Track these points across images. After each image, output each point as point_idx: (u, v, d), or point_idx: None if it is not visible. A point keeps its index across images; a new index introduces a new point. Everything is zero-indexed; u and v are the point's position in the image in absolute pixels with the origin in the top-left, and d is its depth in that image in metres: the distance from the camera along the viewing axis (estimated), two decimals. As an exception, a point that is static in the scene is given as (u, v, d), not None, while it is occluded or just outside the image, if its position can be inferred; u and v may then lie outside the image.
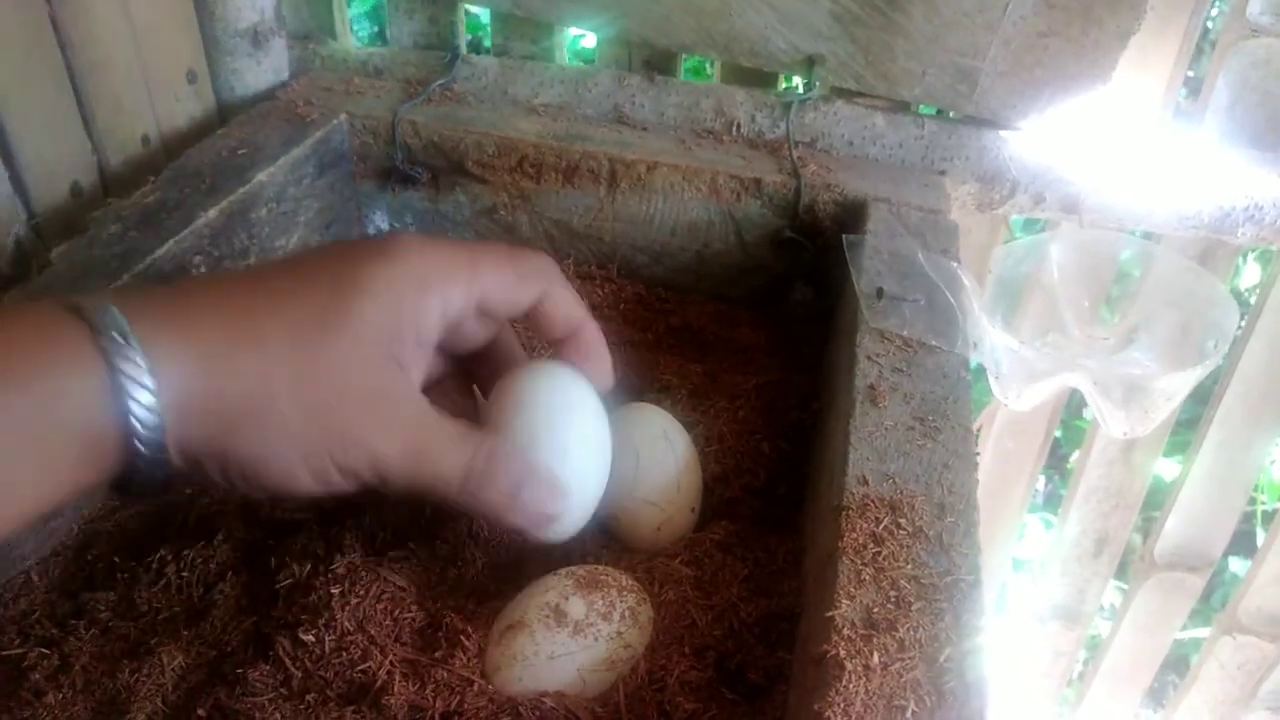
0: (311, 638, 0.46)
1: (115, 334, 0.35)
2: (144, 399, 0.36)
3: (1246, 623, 1.11)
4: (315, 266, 0.42)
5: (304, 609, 0.47)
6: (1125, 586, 1.17)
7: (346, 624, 0.46)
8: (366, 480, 0.42)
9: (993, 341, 0.58)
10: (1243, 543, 1.49)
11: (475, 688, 0.45)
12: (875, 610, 0.40)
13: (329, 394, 0.40)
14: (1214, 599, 1.49)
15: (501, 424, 0.48)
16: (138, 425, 0.36)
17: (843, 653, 0.38)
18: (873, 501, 0.45)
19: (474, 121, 0.75)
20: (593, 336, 0.50)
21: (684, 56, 0.82)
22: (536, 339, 0.65)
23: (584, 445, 0.48)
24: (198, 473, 0.40)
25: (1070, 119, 0.75)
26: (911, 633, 0.40)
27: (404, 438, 0.42)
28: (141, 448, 0.36)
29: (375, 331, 0.41)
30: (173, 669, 0.46)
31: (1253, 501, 1.52)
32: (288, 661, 0.45)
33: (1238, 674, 1.15)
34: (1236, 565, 1.54)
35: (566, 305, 0.49)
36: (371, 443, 0.41)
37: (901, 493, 0.46)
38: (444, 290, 0.44)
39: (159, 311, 0.38)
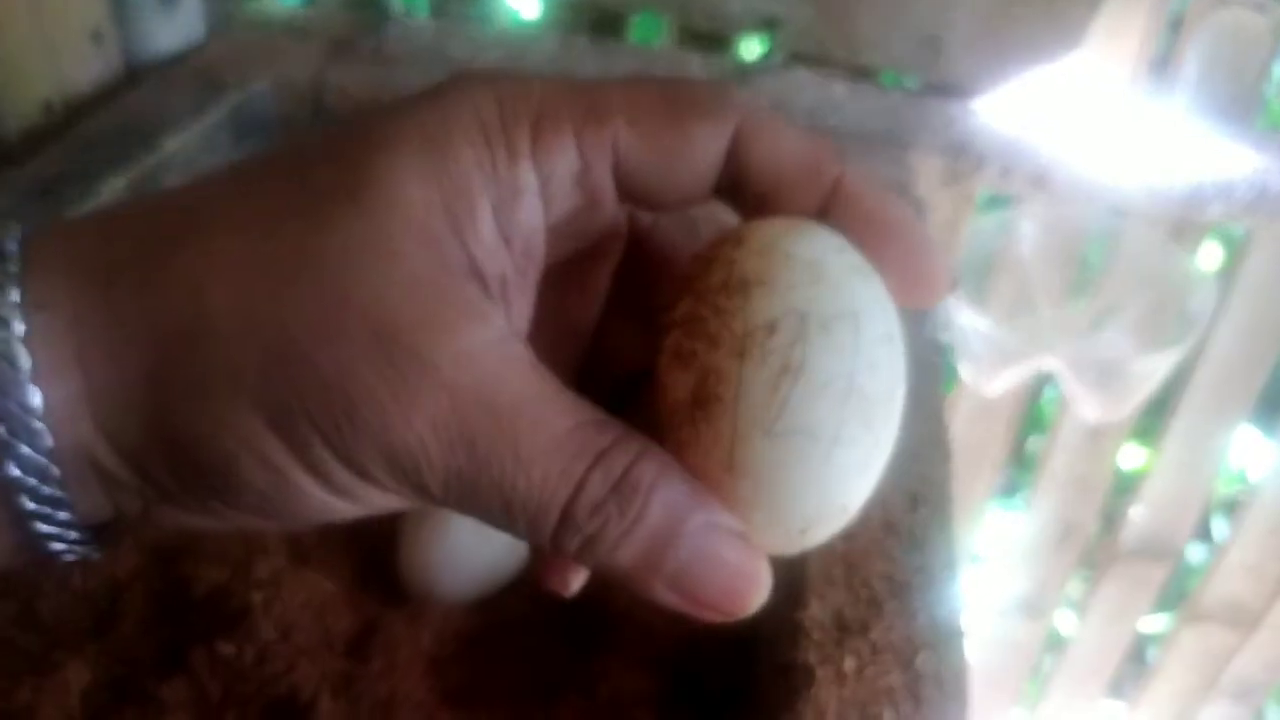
0: (231, 649, 0.44)
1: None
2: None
3: (1209, 611, 1.11)
4: (317, 136, 0.25)
5: (223, 618, 0.46)
6: (1090, 576, 1.17)
7: (270, 633, 0.45)
8: (385, 484, 0.23)
9: (963, 323, 0.56)
10: (1205, 531, 1.51)
11: (412, 702, 0.44)
12: (847, 611, 0.40)
13: (310, 311, 0.22)
14: (1176, 588, 1.50)
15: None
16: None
17: (813, 659, 0.38)
18: None
19: (407, 86, 0.71)
20: (870, 198, 0.25)
21: (633, 19, 0.79)
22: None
23: (875, 408, 0.24)
24: (146, 481, 0.24)
25: (1039, 89, 0.74)
26: (885, 634, 0.39)
27: (448, 407, 0.22)
28: (21, 446, 0.22)
29: (411, 206, 0.22)
30: (79, 687, 0.44)
31: (1216, 489, 1.54)
32: (204, 676, 0.44)
33: (1200, 663, 1.16)
34: (1199, 554, 1.55)
35: (792, 146, 0.25)
36: (384, 414, 0.22)
37: None
38: (540, 136, 0.24)
39: (62, 240, 0.24)
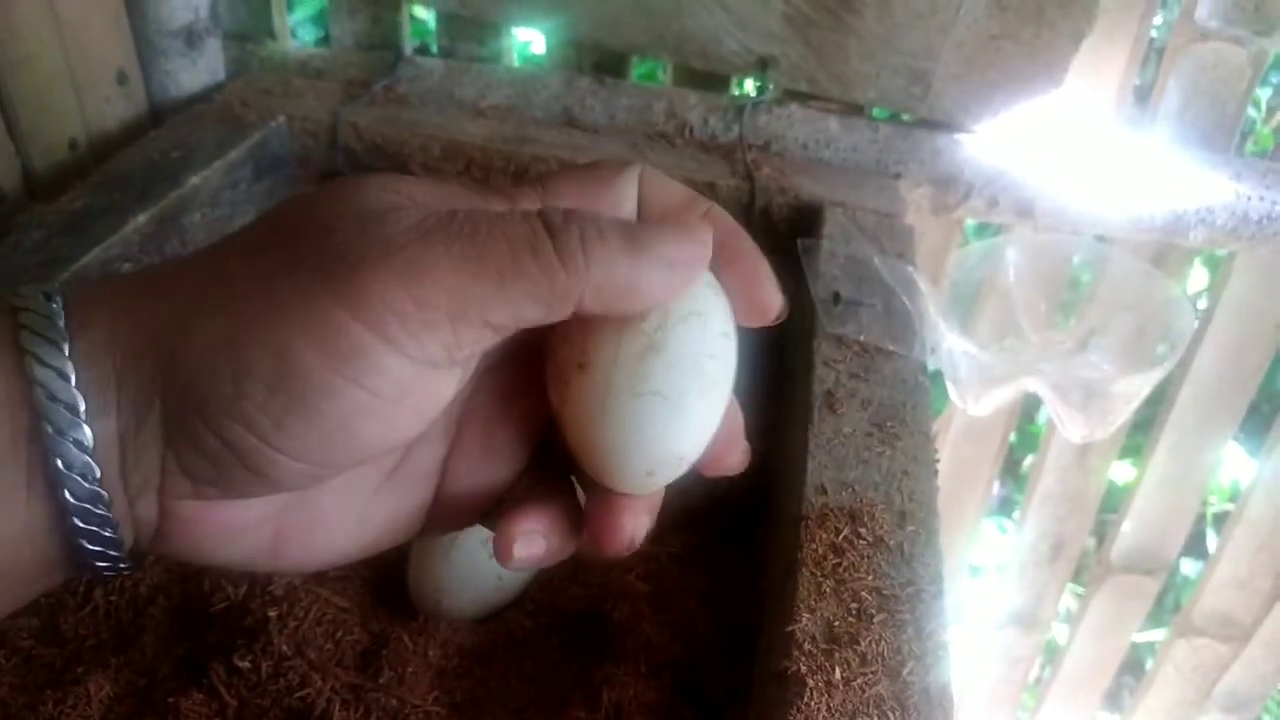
0: (247, 663, 0.44)
1: (37, 303, 0.26)
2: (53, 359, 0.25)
3: (1201, 625, 1.12)
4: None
5: (239, 633, 0.46)
6: (1082, 591, 1.18)
7: (284, 648, 0.45)
8: (399, 310, 0.26)
9: (950, 346, 0.57)
10: (1196, 545, 1.51)
11: (420, 713, 0.44)
12: (836, 624, 0.40)
13: (307, 238, 0.27)
14: (1167, 601, 1.51)
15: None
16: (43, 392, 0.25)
17: (804, 668, 0.38)
18: (832, 511, 0.45)
19: (419, 124, 0.74)
20: (728, 231, 0.32)
21: (635, 60, 0.81)
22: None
23: (712, 386, 0.31)
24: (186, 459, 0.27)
25: (1024, 122, 0.75)
26: (873, 646, 0.39)
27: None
28: (53, 429, 0.25)
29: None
30: (100, 699, 0.44)
31: (1205, 504, 1.54)
32: (222, 689, 0.44)
33: (1193, 676, 1.16)
34: (1190, 568, 1.56)
35: (674, 189, 0.32)
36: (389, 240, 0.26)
37: (861, 501, 0.46)
38: (514, 191, 0.31)
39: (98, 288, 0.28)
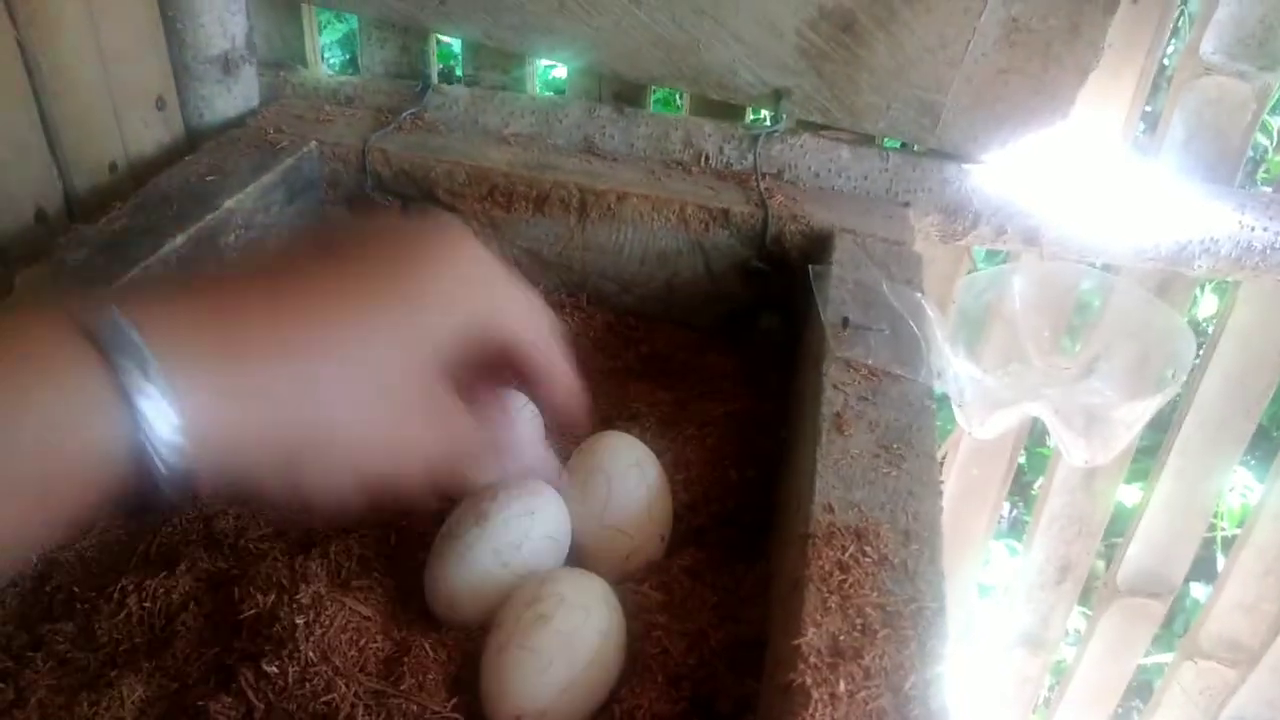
0: (275, 669, 0.45)
1: (130, 361, 0.32)
2: (165, 430, 0.32)
3: (1208, 648, 1.12)
4: (365, 262, 0.40)
5: (267, 639, 0.47)
6: (1089, 613, 1.18)
7: (310, 655, 0.46)
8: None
9: (956, 371, 0.59)
10: (1203, 569, 1.51)
11: (439, 719, 0.45)
12: (841, 638, 0.40)
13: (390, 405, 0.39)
14: (1175, 625, 1.50)
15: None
16: (159, 457, 0.32)
17: (809, 681, 0.39)
18: (839, 529, 0.45)
19: (444, 150, 0.75)
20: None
21: (653, 89, 0.82)
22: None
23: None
24: (237, 475, 0.36)
25: (1031, 153, 0.76)
26: (877, 660, 0.40)
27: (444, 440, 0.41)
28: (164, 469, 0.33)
29: (436, 339, 0.40)
30: (133, 701, 0.45)
31: (1212, 528, 1.54)
32: (250, 693, 0.45)
33: (1200, 699, 1.16)
34: (1197, 591, 1.56)
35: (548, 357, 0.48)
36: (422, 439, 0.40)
37: (867, 520, 0.46)
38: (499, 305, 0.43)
39: (175, 321, 0.34)
